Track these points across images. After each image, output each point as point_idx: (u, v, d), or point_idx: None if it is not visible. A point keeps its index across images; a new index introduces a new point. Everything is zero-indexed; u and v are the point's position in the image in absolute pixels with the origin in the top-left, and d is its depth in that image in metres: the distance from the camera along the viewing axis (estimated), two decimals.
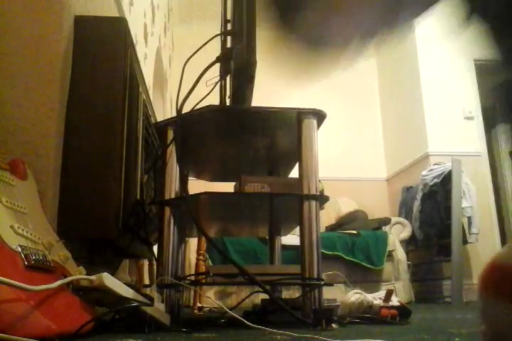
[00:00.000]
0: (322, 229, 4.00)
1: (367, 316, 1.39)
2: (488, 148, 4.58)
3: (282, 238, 2.05)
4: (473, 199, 3.78)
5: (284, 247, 2.17)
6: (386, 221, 3.84)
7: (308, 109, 1.42)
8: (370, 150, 5.22)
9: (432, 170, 3.96)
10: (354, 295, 1.45)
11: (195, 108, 1.41)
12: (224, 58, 1.49)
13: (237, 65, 1.33)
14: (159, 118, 2.63)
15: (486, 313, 0.52)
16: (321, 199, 1.41)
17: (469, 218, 3.76)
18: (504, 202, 5.16)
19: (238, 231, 2.00)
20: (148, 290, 1.12)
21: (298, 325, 1.21)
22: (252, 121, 1.47)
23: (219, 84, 1.56)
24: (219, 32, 1.55)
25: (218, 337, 1.00)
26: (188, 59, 1.46)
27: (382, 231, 3.71)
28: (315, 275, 1.30)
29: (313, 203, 1.35)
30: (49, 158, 1.34)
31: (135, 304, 1.00)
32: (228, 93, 1.57)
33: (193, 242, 3.23)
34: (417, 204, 3.99)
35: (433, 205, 3.83)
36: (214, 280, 1.40)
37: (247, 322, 1.02)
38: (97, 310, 1.01)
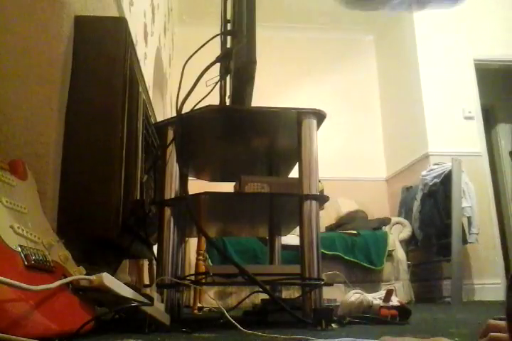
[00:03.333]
0: (322, 229, 4.00)
1: (367, 316, 1.39)
2: (488, 148, 4.58)
3: (282, 238, 2.06)
4: (473, 199, 3.78)
5: (284, 247, 2.17)
6: (386, 221, 3.84)
7: (308, 109, 1.42)
8: (370, 150, 5.22)
9: (431, 170, 3.96)
10: (354, 295, 1.45)
11: (195, 108, 1.41)
12: (224, 58, 1.49)
13: (237, 65, 1.33)
14: (159, 119, 2.63)
15: None
16: (321, 199, 1.41)
17: (469, 218, 3.76)
18: (504, 202, 5.16)
19: (238, 231, 2.00)
20: (148, 290, 1.12)
21: (298, 325, 1.21)
22: (252, 121, 1.47)
23: (219, 84, 1.56)
24: (219, 32, 1.54)
25: (218, 337, 1.00)
26: (188, 59, 1.46)
27: (382, 231, 3.71)
28: (315, 275, 1.30)
29: (313, 203, 1.35)
30: (49, 158, 1.34)
31: (135, 304, 1.00)
32: (228, 93, 1.57)
33: (193, 242, 3.23)
34: (416, 204, 3.99)
35: (433, 205, 3.83)
36: (214, 280, 1.40)
37: (240, 327, 1.02)
38: (97, 310, 1.01)
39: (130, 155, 1.58)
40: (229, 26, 1.54)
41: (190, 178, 1.90)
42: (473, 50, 4.53)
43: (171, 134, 1.46)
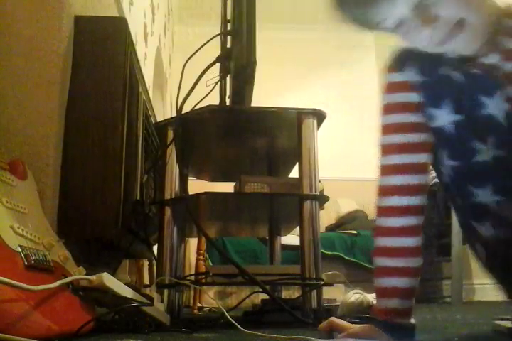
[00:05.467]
0: (322, 229, 3.99)
1: (367, 316, 1.39)
2: None
3: (282, 238, 2.05)
4: None
5: (284, 247, 2.17)
6: None
7: (308, 109, 1.42)
8: (370, 150, 5.21)
9: (432, 170, 3.96)
10: (354, 295, 1.45)
11: (195, 108, 1.41)
12: (224, 58, 1.49)
13: (237, 65, 1.33)
14: (159, 119, 2.63)
15: None
16: (321, 199, 1.41)
17: None
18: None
19: (238, 231, 2.00)
20: (148, 290, 1.12)
21: (298, 325, 1.21)
22: (252, 121, 1.47)
23: (219, 84, 1.56)
24: (219, 32, 1.54)
25: (218, 337, 1.00)
26: (188, 59, 1.46)
27: None
28: (315, 276, 1.30)
29: (313, 203, 1.35)
30: (49, 158, 1.33)
31: (135, 304, 1.00)
32: (228, 93, 1.57)
33: (193, 242, 3.22)
34: None
35: (433, 205, 3.83)
36: (214, 280, 1.40)
37: (240, 327, 1.01)
38: (97, 310, 1.01)
39: (130, 155, 1.58)
40: (229, 26, 1.54)
41: (190, 178, 1.89)
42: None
43: (171, 134, 1.46)
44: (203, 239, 2.57)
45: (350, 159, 5.13)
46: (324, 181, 3.83)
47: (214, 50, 1.55)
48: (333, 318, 0.89)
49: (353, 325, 0.86)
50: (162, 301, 1.23)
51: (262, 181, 1.50)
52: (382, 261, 0.85)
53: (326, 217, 4.19)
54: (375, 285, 0.86)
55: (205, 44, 1.47)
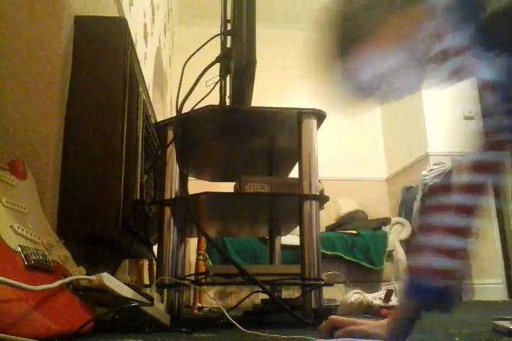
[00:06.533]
0: (322, 229, 4.00)
1: (367, 316, 1.39)
2: None
3: (282, 238, 2.05)
4: None
5: (284, 247, 2.17)
6: (386, 221, 3.83)
7: (308, 109, 1.42)
8: (370, 150, 5.21)
9: (431, 170, 3.96)
10: (354, 295, 1.45)
11: (195, 108, 1.41)
12: (224, 58, 1.49)
13: (237, 65, 1.33)
14: (159, 119, 2.63)
15: None
16: (321, 199, 1.41)
17: None
18: (504, 202, 5.16)
19: (238, 231, 2.00)
20: (148, 290, 1.12)
21: (298, 325, 1.21)
22: (252, 121, 1.47)
23: (219, 84, 1.56)
24: (219, 32, 1.54)
25: (218, 337, 1.00)
26: (188, 59, 1.46)
27: (382, 231, 3.70)
28: (315, 276, 1.30)
29: (313, 203, 1.35)
30: (49, 158, 1.34)
31: (135, 304, 1.00)
32: (228, 93, 1.57)
33: (193, 242, 3.22)
34: (417, 205, 3.99)
35: None
36: (214, 280, 1.40)
37: (240, 327, 1.01)
38: (97, 310, 1.01)
39: (130, 155, 1.58)
40: (229, 26, 1.54)
41: (190, 178, 1.89)
42: None
43: (170, 134, 1.46)
44: (203, 239, 2.58)
45: (350, 159, 5.13)
46: (324, 181, 3.83)
47: (214, 50, 1.55)
48: (332, 316, 0.89)
49: (353, 319, 0.85)
50: (162, 301, 1.23)
51: (262, 181, 1.50)
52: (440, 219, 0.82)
53: (326, 217, 4.19)
54: (420, 244, 0.82)
55: (205, 44, 1.47)
